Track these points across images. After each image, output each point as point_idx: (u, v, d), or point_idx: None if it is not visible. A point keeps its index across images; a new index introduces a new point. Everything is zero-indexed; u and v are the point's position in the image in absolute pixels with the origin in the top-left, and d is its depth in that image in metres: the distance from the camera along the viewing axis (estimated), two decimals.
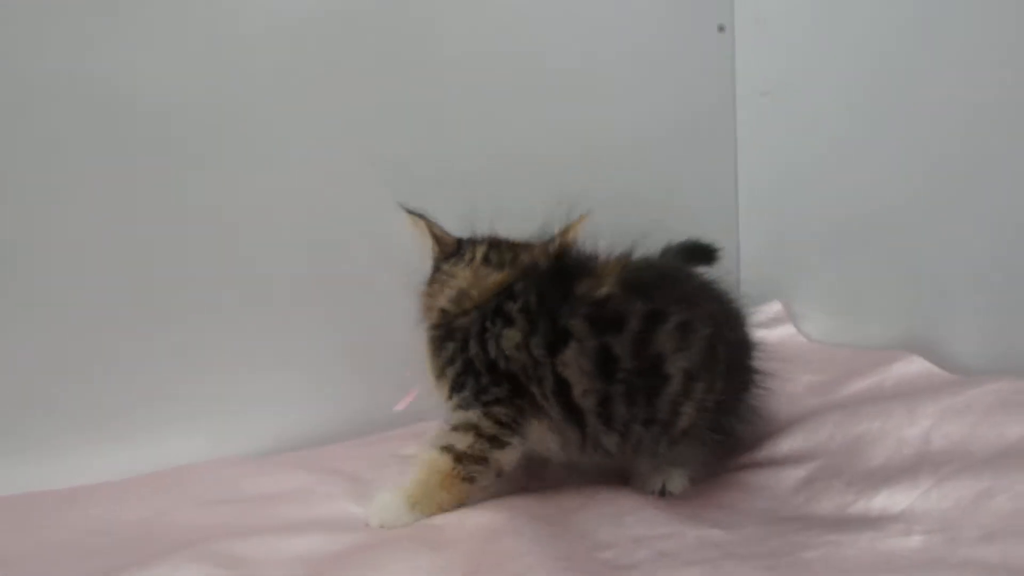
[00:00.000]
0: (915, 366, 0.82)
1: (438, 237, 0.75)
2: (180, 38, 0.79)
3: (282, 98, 0.85)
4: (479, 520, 0.63)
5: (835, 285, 1.01)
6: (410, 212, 0.75)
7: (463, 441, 0.64)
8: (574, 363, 0.62)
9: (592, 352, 0.62)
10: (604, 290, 0.64)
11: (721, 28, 1.07)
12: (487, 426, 0.64)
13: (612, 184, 0.96)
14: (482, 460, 0.64)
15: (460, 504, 0.65)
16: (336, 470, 0.77)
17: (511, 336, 0.65)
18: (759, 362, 0.72)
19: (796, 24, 1.01)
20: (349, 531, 0.63)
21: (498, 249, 0.74)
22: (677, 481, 0.69)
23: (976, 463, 0.61)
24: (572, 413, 0.64)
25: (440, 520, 0.64)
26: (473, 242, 0.75)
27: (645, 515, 0.63)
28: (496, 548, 0.57)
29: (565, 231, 0.74)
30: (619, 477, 0.71)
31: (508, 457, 0.65)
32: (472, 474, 0.64)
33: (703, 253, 0.83)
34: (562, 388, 0.63)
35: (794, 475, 0.69)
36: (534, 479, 0.72)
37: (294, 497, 0.71)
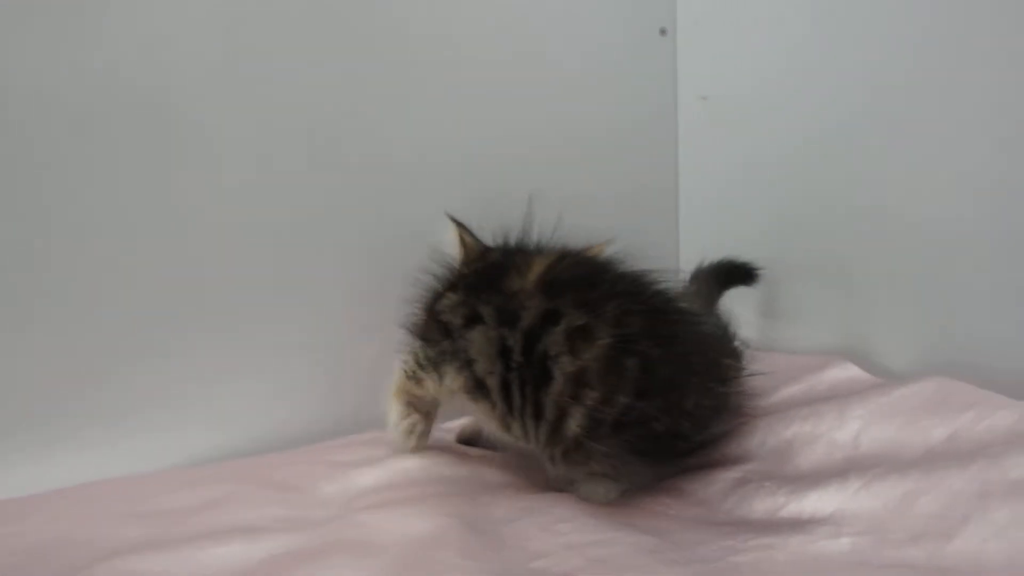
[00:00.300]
0: (848, 372, 0.84)
1: (467, 244, 0.79)
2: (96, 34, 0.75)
3: (245, 99, 0.82)
4: (412, 528, 0.62)
5: (772, 289, 1.02)
6: (451, 219, 0.80)
7: (407, 363, 0.75)
8: (477, 343, 0.68)
9: (494, 339, 0.67)
10: (519, 284, 0.68)
11: (663, 31, 1.07)
12: (417, 357, 0.74)
13: (554, 184, 0.93)
14: (416, 380, 0.74)
15: (429, 398, 0.75)
16: (266, 479, 0.74)
17: (449, 299, 0.73)
18: (719, 383, 0.71)
19: (734, 28, 1.01)
20: (271, 540, 0.60)
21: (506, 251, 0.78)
22: (599, 492, 0.68)
23: (903, 464, 0.62)
24: (480, 386, 0.68)
25: (372, 526, 0.63)
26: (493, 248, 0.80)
27: (580, 523, 0.62)
28: (429, 556, 0.56)
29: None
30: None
31: (428, 386, 0.74)
32: (416, 386, 0.75)
33: (740, 273, 0.80)
34: (471, 361, 0.69)
35: (726, 479, 0.69)
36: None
37: (216, 507, 0.67)
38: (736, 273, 0.82)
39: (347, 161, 0.88)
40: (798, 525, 0.61)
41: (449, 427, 0.88)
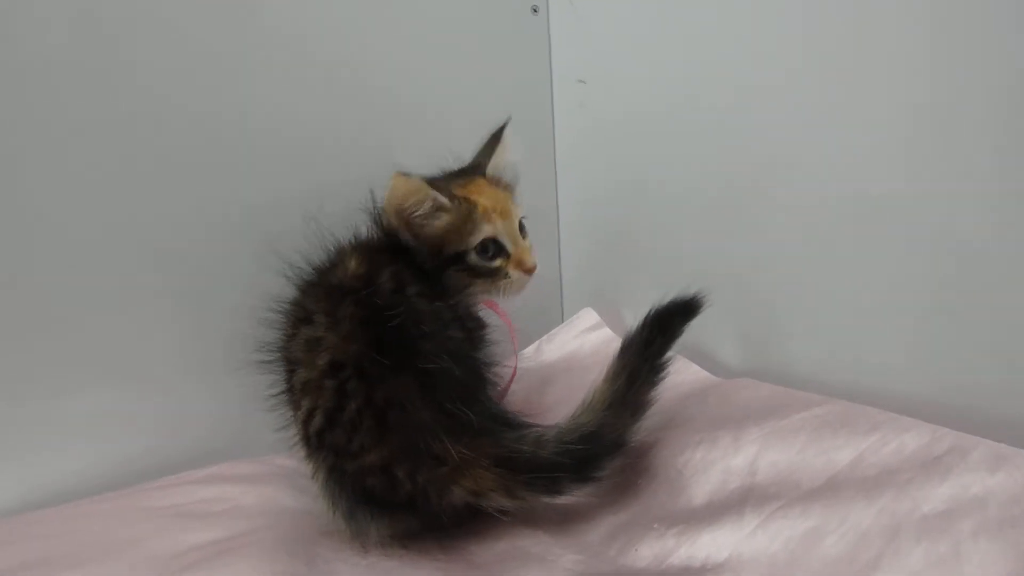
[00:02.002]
0: (743, 384, 0.76)
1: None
2: None
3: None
4: None
5: (654, 288, 0.94)
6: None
7: None
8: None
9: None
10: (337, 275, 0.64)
11: (535, 9, 0.97)
12: None
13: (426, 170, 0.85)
14: None
15: None
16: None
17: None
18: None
19: (609, 8, 0.92)
20: None
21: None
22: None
23: (804, 495, 0.55)
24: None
25: None
26: None
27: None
28: None
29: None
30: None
31: None
32: None
33: (684, 308, 0.67)
34: None
35: (611, 522, 0.60)
36: None
37: None
38: (680, 310, 0.67)
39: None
40: (691, 573, 0.52)
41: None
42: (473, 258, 0.68)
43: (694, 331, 0.87)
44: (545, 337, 0.97)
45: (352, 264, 0.63)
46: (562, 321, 1.02)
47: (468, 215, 0.68)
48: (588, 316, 0.98)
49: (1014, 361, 0.58)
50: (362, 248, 0.66)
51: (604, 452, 0.59)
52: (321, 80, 0.85)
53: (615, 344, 0.92)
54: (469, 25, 0.95)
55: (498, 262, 0.69)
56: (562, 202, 1.04)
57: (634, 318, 0.96)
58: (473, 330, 0.68)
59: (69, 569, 0.58)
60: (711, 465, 0.61)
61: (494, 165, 0.75)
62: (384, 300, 0.60)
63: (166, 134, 0.76)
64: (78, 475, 0.74)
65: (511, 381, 0.76)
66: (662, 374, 0.64)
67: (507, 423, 0.62)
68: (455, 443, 0.57)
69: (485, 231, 0.68)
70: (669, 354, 0.65)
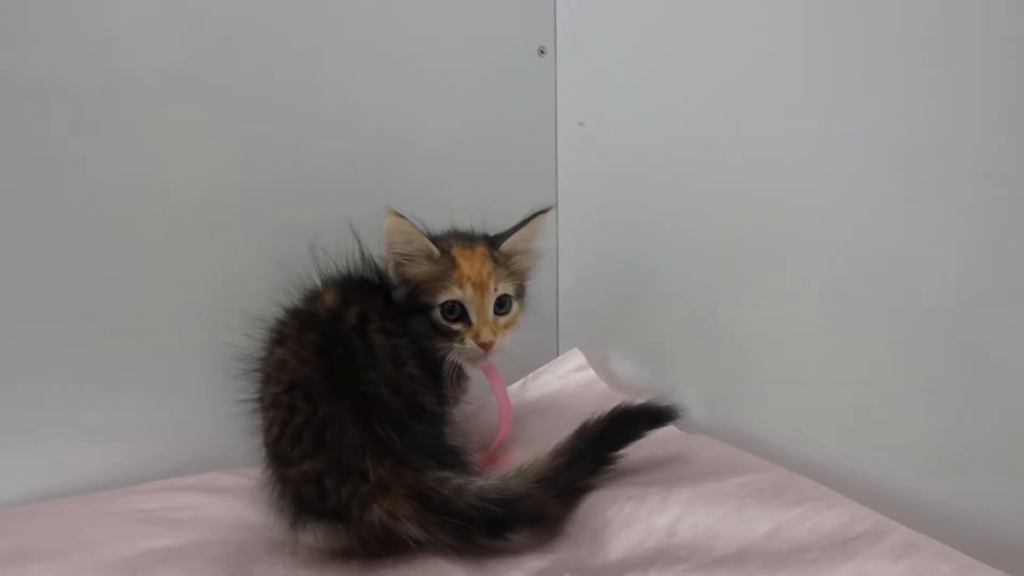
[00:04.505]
0: (698, 441, 0.75)
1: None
2: None
3: None
4: None
5: (641, 332, 0.94)
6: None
7: None
8: None
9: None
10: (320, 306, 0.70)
11: (542, 51, 0.99)
12: None
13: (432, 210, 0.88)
14: None
15: None
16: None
17: None
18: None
19: (610, 52, 0.93)
20: None
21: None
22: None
23: (711, 562, 0.54)
24: None
25: None
26: None
27: None
28: None
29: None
30: None
31: None
32: None
33: (653, 416, 0.69)
34: None
35: (530, 567, 0.61)
36: None
37: None
38: (652, 416, 0.69)
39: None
40: None
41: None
42: (436, 314, 0.72)
43: (667, 378, 0.87)
44: (531, 375, 0.98)
45: (328, 297, 0.70)
46: (557, 356, 1.03)
47: (445, 272, 0.72)
48: (574, 357, 0.98)
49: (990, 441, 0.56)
50: (341, 283, 0.72)
51: (517, 521, 0.62)
52: (330, 122, 0.89)
53: (598, 387, 0.94)
54: (476, 64, 0.98)
55: (458, 327, 0.72)
56: (562, 238, 1.05)
57: (621, 361, 0.97)
58: (433, 367, 0.71)
59: (14, 564, 0.62)
60: (636, 522, 0.61)
61: (512, 242, 0.76)
62: (342, 332, 0.66)
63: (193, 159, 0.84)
64: (93, 474, 0.81)
65: (505, 429, 0.79)
66: (606, 468, 0.67)
67: (443, 460, 0.65)
68: (377, 465, 0.61)
69: (453, 293, 0.71)
70: (621, 452, 0.67)
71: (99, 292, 0.80)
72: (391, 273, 0.73)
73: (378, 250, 0.74)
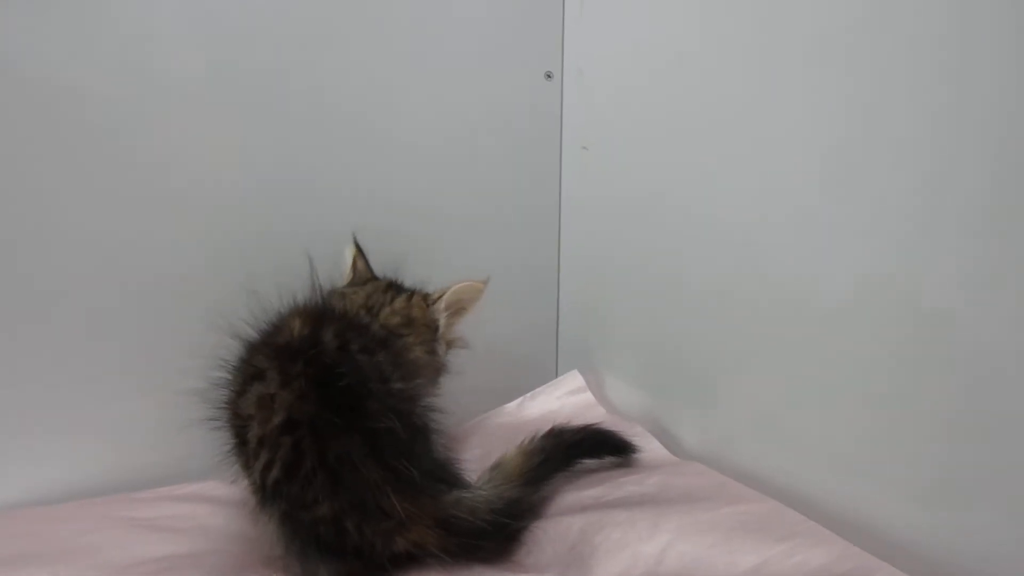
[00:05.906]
0: (692, 468, 0.76)
1: (358, 268, 0.85)
2: None
3: None
4: None
5: (640, 356, 0.95)
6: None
7: None
8: None
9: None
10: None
11: (549, 75, 1.00)
12: None
13: (436, 240, 0.95)
14: None
15: None
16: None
17: None
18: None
19: (615, 78, 0.94)
20: None
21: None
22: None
23: None
24: None
25: None
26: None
27: None
28: None
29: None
30: None
31: None
32: None
33: (618, 446, 0.79)
34: None
35: None
36: None
37: None
38: (611, 447, 0.79)
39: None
40: None
41: None
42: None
43: (664, 403, 0.89)
44: (529, 394, 0.99)
45: (296, 325, 0.67)
46: (555, 376, 1.04)
47: (374, 291, 0.81)
48: (573, 379, 0.99)
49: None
50: (301, 311, 0.69)
51: (521, 522, 0.67)
52: (335, 138, 0.91)
53: (596, 410, 0.95)
54: (484, 86, 0.99)
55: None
56: (564, 261, 1.07)
57: (619, 385, 0.99)
58: (413, 377, 0.72)
59: (15, 568, 0.64)
60: (624, 547, 0.62)
61: (453, 295, 0.81)
62: (331, 358, 0.64)
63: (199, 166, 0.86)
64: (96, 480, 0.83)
65: None
66: (567, 470, 0.76)
67: (442, 478, 0.67)
68: (401, 500, 0.61)
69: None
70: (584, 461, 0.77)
71: (104, 296, 0.82)
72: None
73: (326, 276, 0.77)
